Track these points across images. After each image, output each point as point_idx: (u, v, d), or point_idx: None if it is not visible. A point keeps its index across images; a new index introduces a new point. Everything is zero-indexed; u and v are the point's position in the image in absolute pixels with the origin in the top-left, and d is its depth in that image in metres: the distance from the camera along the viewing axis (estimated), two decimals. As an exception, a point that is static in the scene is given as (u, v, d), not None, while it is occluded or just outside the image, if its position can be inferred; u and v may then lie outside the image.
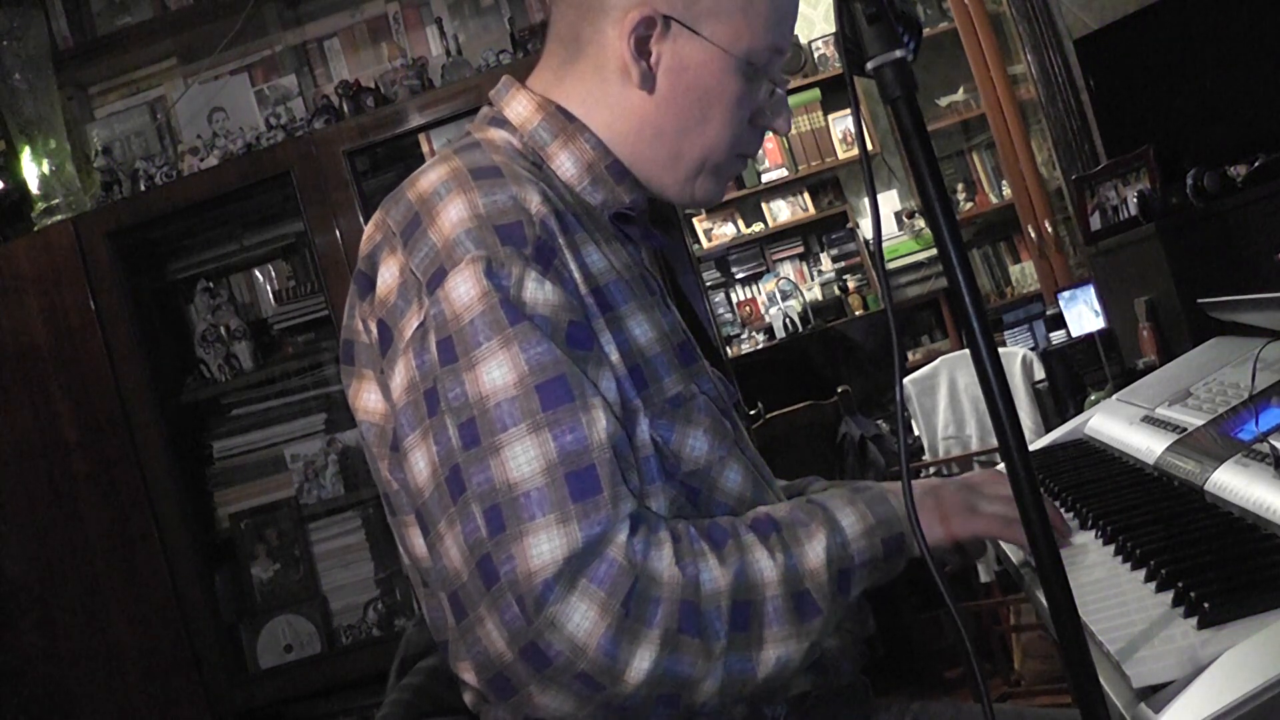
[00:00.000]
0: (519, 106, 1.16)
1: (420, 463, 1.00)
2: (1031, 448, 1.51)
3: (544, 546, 0.93)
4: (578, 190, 1.14)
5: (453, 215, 1.01)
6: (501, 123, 1.17)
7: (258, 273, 3.53)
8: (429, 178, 1.06)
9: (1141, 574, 1.02)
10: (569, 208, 1.09)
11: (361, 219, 3.14)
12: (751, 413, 3.84)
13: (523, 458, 0.95)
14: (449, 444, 0.97)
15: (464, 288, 0.99)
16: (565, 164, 1.14)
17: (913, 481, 1.13)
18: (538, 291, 0.99)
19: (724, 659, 0.96)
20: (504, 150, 1.11)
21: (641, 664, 0.92)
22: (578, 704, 0.93)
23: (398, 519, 1.10)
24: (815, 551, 1.01)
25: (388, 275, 1.04)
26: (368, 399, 1.09)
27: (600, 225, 1.13)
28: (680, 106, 1.13)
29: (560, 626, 0.91)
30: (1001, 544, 1.29)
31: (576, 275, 1.04)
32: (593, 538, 0.93)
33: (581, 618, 0.91)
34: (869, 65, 0.89)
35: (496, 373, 0.97)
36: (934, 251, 5.39)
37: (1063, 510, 1.30)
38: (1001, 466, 0.93)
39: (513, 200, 1.02)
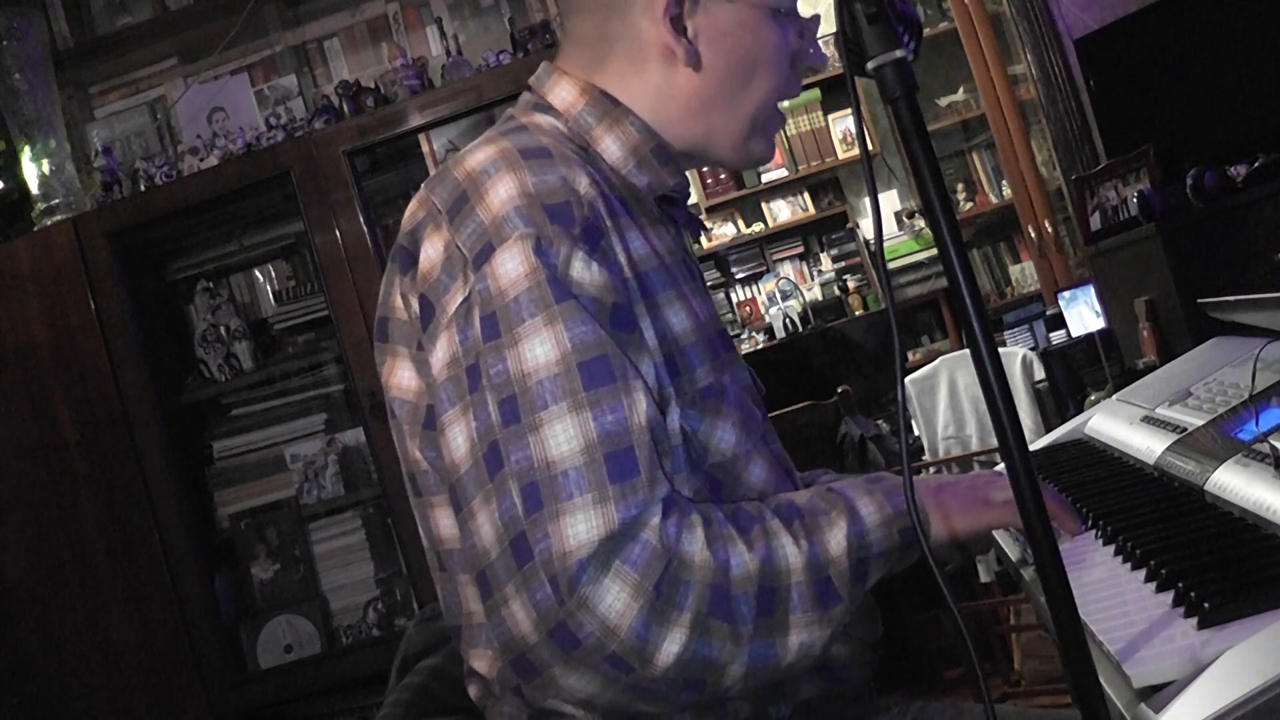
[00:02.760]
0: (563, 92, 1.16)
1: (459, 438, 1.00)
2: (1031, 448, 1.51)
3: (580, 527, 0.92)
4: (624, 173, 1.14)
5: (502, 193, 1.01)
6: (546, 108, 1.16)
7: (258, 273, 3.53)
8: (477, 157, 1.06)
9: (1141, 574, 1.02)
10: (615, 191, 1.09)
11: (361, 219, 3.14)
12: (751, 413, 3.83)
13: (562, 436, 0.94)
14: (489, 420, 0.97)
15: (512, 264, 0.98)
16: (611, 147, 1.14)
17: (921, 477, 1.13)
18: (584, 271, 0.99)
19: (750, 644, 0.96)
20: (550, 134, 1.11)
21: (671, 647, 0.92)
22: (603, 685, 0.93)
23: (422, 500, 1.10)
24: (836, 540, 1.02)
25: (432, 251, 1.04)
26: (401, 376, 1.09)
27: (645, 209, 1.13)
28: (728, 71, 1.14)
29: (593, 607, 0.91)
30: (1000, 544, 1.29)
31: (621, 259, 1.04)
32: (629, 520, 0.93)
33: (614, 599, 0.91)
34: (869, 65, 0.89)
35: (539, 350, 0.96)
36: (934, 251, 5.39)
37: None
38: (1001, 467, 0.93)
39: (562, 181, 1.02)
